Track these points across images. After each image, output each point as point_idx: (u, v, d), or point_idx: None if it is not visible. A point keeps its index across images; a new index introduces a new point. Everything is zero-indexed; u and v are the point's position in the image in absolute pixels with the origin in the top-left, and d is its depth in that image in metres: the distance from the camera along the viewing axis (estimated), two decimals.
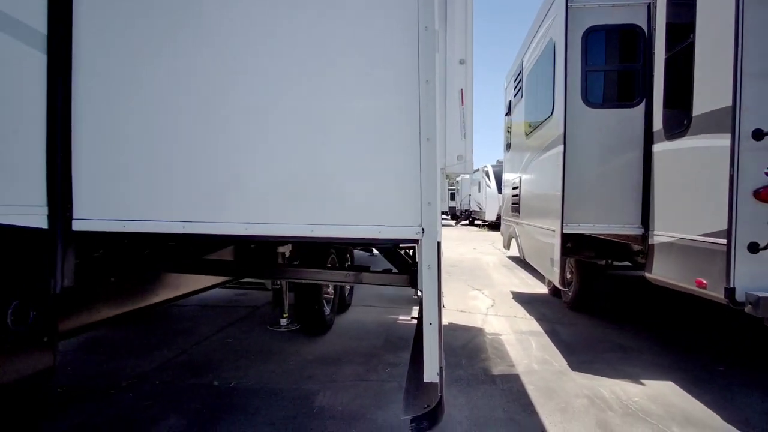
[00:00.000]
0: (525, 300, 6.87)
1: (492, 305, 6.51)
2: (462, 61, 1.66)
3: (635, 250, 4.65)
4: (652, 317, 5.87)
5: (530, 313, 5.98)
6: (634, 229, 4.03)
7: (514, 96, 6.83)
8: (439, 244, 1.58)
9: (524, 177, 6.05)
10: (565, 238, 4.12)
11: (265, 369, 3.87)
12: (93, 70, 1.71)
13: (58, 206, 1.64)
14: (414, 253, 3.93)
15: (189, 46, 1.73)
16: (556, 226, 4.11)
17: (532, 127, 5.46)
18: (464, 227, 27.67)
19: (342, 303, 5.65)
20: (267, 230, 1.70)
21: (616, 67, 4.30)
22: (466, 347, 4.56)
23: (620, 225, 4.08)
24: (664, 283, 3.70)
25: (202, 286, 4.06)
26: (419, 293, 1.76)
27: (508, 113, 7.31)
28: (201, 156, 1.75)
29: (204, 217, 1.71)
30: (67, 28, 1.64)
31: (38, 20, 1.55)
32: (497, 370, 3.94)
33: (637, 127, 3.98)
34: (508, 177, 7.63)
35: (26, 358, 1.50)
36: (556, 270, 4.07)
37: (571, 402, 3.31)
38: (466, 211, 30.25)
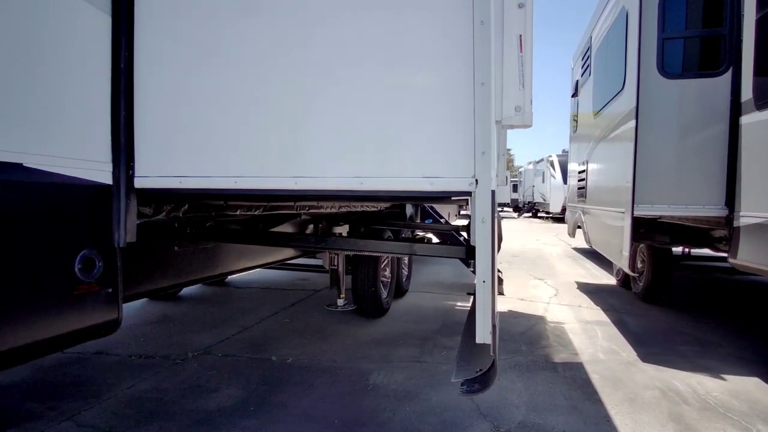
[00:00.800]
0: (590, 290, 6.53)
1: (555, 294, 6.24)
2: (521, 5, 1.55)
3: (716, 236, 4.24)
4: (733, 309, 5.37)
5: (596, 304, 5.66)
6: (716, 210, 3.67)
7: (582, 75, 6.44)
8: (493, 192, 1.48)
9: (592, 158, 5.70)
10: (636, 221, 3.83)
11: (321, 347, 3.92)
12: (154, 30, 1.78)
13: (122, 163, 1.73)
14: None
15: (252, 4, 1.73)
16: (626, 207, 3.82)
17: (602, 105, 5.11)
18: (527, 219, 26.80)
19: (399, 288, 5.62)
20: (315, 184, 1.68)
21: (698, 33, 3.91)
22: (525, 334, 4.39)
23: (700, 206, 3.72)
24: (751, 268, 3.34)
25: (260, 262, 4.17)
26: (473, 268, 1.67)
27: (575, 94, 6.91)
28: (253, 112, 1.76)
29: (254, 173, 1.72)
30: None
31: None
32: (559, 357, 3.76)
33: (722, 97, 3.60)
34: (574, 164, 7.25)
35: (92, 308, 1.59)
36: (626, 254, 3.79)
37: (641, 393, 3.08)
38: (529, 202, 29.26)
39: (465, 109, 1.50)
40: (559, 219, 20.83)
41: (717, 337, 4.28)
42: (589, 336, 4.35)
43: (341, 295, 4.99)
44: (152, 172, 1.78)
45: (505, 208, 35.05)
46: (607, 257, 5.27)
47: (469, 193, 1.52)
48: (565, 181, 16.64)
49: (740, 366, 3.56)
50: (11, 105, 1.40)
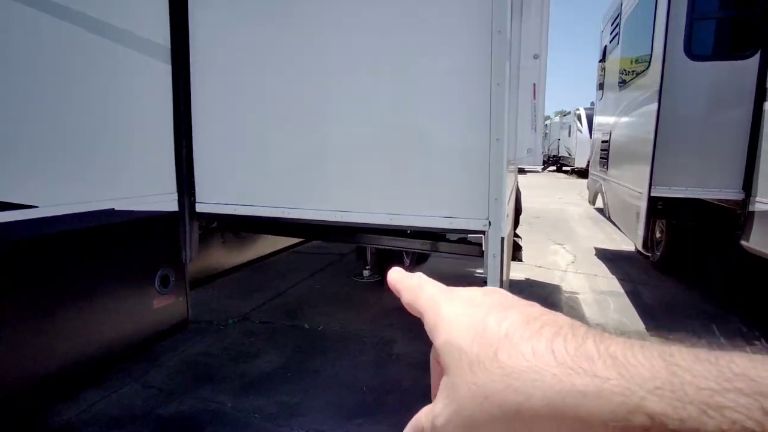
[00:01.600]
0: (609, 257, 6.69)
1: (572, 262, 6.43)
2: (536, 56, 1.67)
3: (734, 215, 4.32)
4: (744, 285, 5.50)
5: (613, 272, 5.85)
6: (733, 193, 3.75)
7: (610, 41, 6.29)
8: (503, 239, 1.68)
9: (615, 132, 5.70)
10: (654, 200, 3.95)
11: (350, 315, 4.27)
12: (206, 78, 1.98)
13: (185, 193, 1.99)
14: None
15: (291, 47, 1.90)
16: (643, 188, 3.93)
17: (627, 80, 5.07)
18: (551, 174, 26.49)
19: (422, 255, 5.89)
20: (353, 218, 1.91)
21: (730, 14, 3.83)
22: (541, 304, 4.64)
23: (717, 189, 3.81)
24: (761, 253, 3.47)
25: (294, 241, 4.49)
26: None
27: (603, 60, 6.77)
28: (300, 150, 1.98)
29: (298, 204, 1.96)
30: (185, 39, 1.90)
31: (162, 35, 1.80)
32: None
33: (747, 82, 3.58)
34: (598, 133, 7.21)
35: (168, 315, 1.91)
36: (641, 234, 3.94)
37: None
38: (554, 156, 28.76)
39: (481, 163, 1.67)
40: (584, 174, 20.56)
41: (725, 310, 4.46)
42: (602, 307, 4.58)
43: (367, 266, 5.30)
44: (210, 199, 2.03)
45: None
46: (624, 232, 5.40)
47: (483, 232, 1.72)
48: (591, 135, 16.35)
49: (744, 342, 3.76)
50: (102, 162, 1.66)
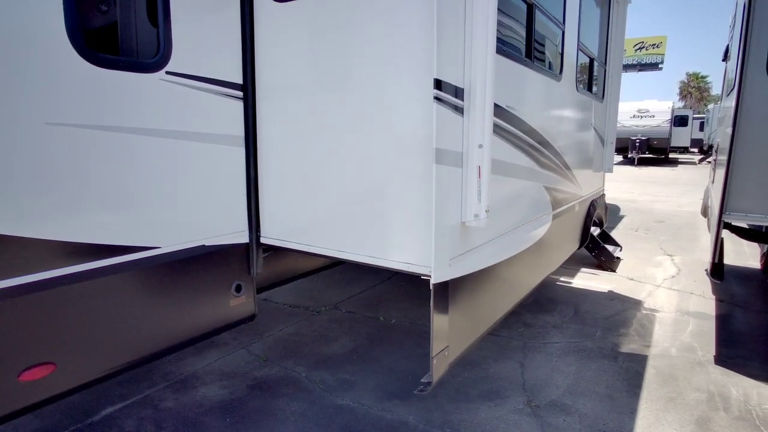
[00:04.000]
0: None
1: (673, 276, 6.13)
2: (480, 146, 2.11)
3: None
4: None
5: (715, 291, 5.49)
6: None
7: (730, 40, 5.74)
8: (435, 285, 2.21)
9: (718, 143, 5.30)
10: (730, 227, 3.82)
11: (420, 313, 4.89)
12: (270, 150, 2.84)
13: (253, 230, 2.88)
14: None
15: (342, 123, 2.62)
16: (715, 212, 3.82)
17: (727, 91, 4.73)
18: (709, 166, 23.24)
19: None
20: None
21: None
22: (610, 319, 4.72)
23: None
24: None
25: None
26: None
27: (724, 59, 6.16)
28: (339, 192, 2.69)
29: (347, 248, 2.69)
30: (254, 131, 2.79)
31: (237, 129, 2.74)
32: (627, 348, 4.10)
33: None
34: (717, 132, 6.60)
35: (240, 311, 2.84)
36: (710, 260, 3.83)
37: (685, 394, 3.38)
38: (713, 146, 25.09)
39: (426, 226, 2.21)
40: None
41: None
42: (677, 329, 4.49)
43: None
44: (272, 235, 2.92)
45: (690, 149, 30.59)
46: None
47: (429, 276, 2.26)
48: None
49: None
50: (198, 216, 2.61)
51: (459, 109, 2.16)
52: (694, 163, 25.65)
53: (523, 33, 3.00)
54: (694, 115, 29.39)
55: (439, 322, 2.36)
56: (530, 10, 3.02)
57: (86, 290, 2.14)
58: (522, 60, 2.96)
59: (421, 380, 2.35)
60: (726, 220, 3.76)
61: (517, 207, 3.16)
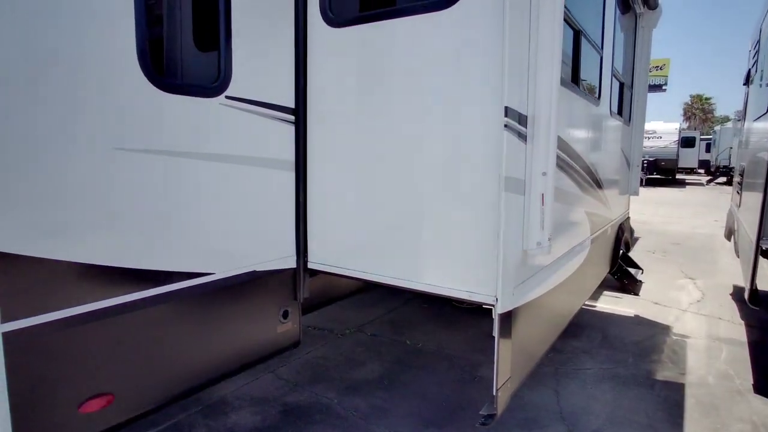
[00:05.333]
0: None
1: (698, 300, 6.05)
2: (544, 173, 2.10)
3: None
4: None
5: (743, 317, 5.41)
6: None
7: (752, 66, 5.78)
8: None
9: (746, 168, 5.29)
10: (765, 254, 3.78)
11: (447, 336, 4.82)
12: (320, 174, 2.86)
13: (301, 255, 2.86)
14: None
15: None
16: (753, 239, 3.78)
17: (755, 116, 4.73)
18: (717, 187, 23.25)
19: None
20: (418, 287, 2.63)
21: None
22: (640, 344, 4.64)
23: None
24: None
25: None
26: None
27: (746, 83, 6.20)
28: (378, 235, 2.69)
29: (383, 272, 2.69)
30: (304, 155, 2.81)
31: (288, 154, 2.76)
32: (662, 375, 4.02)
33: None
34: (741, 155, 6.60)
35: (286, 337, 2.79)
36: (747, 287, 3.78)
37: (729, 425, 3.30)
38: (724, 167, 25.14)
39: (492, 254, 2.22)
40: None
41: None
42: (711, 355, 4.41)
43: None
44: (318, 260, 2.91)
45: (697, 170, 30.58)
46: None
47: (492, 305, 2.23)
48: None
49: None
50: (249, 242, 2.62)
51: (523, 137, 2.16)
52: (701, 184, 25.61)
53: (572, 59, 3.02)
54: (701, 137, 29.47)
55: (503, 351, 2.31)
56: (576, 36, 3.05)
57: (145, 318, 2.12)
58: (570, 86, 2.97)
59: (481, 412, 2.28)
60: (765, 246, 3.71)
61: (566, 232, 3.13)
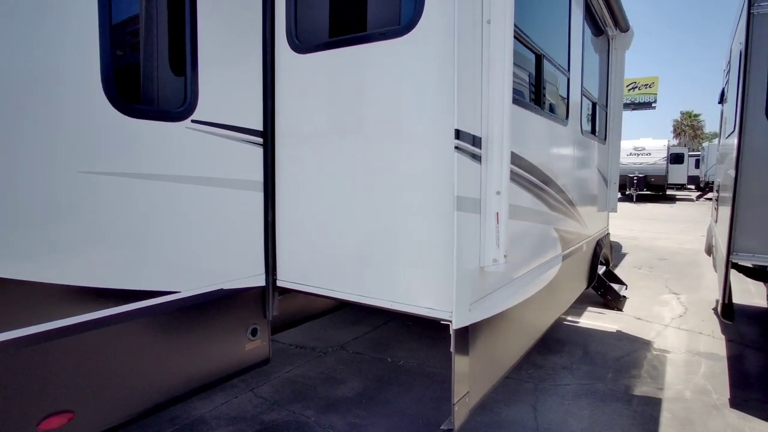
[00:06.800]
0: None
1: (681, 315, 6.09)
2: (498, 192, 2.17)
3: None
4: None
5: (723, 331, 5.45)
6: None
7: (724, 84, 5.95)
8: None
9: (719, 185, 5.40)
10: (737, 266, 3.84)
11: (428, 354, 4.83)
12: (287, 194, 2.91)
13: (270, 273, 2.89)
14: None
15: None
16: (723, 254, 3.85)
17: (726, 133, 4.86)
18: (707, 203, 23.47)
19: None
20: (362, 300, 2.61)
21: None
22: (620, 360, 4.66)
23: None
24: None
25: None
26: None
27: (720, 101, 6.35)
28: (347, 241, 2.75)
29: (355, 291, 2.74)
30: (272, 176, 2.87)
31: (257, 175, 2.81)
32: (640, 390, 4.04)
33: None
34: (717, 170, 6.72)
35: (255, 354, 2.81)
36: (720, 301, 3.83)
37: None
38: (711, 183, 25.41)
39: (447, 272, 2.27)
40: None
41: None
42: (689, 370, 4.43)
43: None
44: (288, 278, 2.94)
45: (687, 186, 30.90)
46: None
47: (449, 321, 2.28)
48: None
49: None
50: (217, 260, 2.66)
51: (477, 157, 2.23)
52: (691, 200, 25.88)
53: (533, 81, 3.12)
54: (690, 153, 29.86)
55: (460, 367, 2.34)
56: (539, 60, 3.16)
57: (106, 336, 2.14)
58: (532, 107, 3.06)
59: (441, 427, 2.31)
60: (734, 261, 3.78)
61: (530, 250, 3.18)
